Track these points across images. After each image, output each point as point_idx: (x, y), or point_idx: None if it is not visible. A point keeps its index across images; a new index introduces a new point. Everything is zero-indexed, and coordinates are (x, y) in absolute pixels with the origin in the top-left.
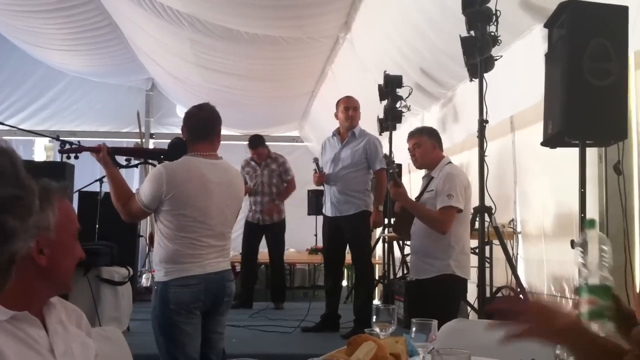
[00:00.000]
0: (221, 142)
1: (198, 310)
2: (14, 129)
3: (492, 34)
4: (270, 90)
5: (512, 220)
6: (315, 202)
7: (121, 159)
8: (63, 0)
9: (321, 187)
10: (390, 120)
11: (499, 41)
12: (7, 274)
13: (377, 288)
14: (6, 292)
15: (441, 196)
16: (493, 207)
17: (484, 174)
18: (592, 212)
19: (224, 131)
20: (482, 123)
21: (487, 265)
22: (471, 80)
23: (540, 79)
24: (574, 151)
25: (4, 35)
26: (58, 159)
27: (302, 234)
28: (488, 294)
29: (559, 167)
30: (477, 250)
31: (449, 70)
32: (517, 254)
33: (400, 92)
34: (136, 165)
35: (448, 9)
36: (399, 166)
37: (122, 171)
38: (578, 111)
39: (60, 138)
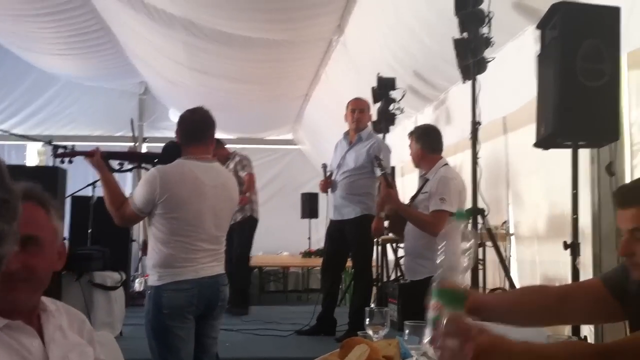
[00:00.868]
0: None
1: (191, 314)
2: (6, 133)
3: (485, 35)
4: (263, 93)
5: (505, 222)
6: (308, 206)
7: (115, 163)
8: (55, 4)
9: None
10: (383, 122)
11: (492, 43)
12: None
13: None
14: None
15: (434, 199)
16: (486, 209)
17: (477, 176)
18: (585, 213)
19: (217, 134)
20: (475, 125)
21: (480, 267)
22: (464, 82)
23: (533, 81)
24: (567, 152)
25: None
26: (50, 164)
27: (296, 238)
28: None
29: (552, 169)
30: None
31: (442, 72)
32: (510, 255)
33: (394, 94)
34: (130, 170)
35: (441, 11)
36: (392, 169)
37: (115, 175)
38: (571, 112)
39: (53, 142)
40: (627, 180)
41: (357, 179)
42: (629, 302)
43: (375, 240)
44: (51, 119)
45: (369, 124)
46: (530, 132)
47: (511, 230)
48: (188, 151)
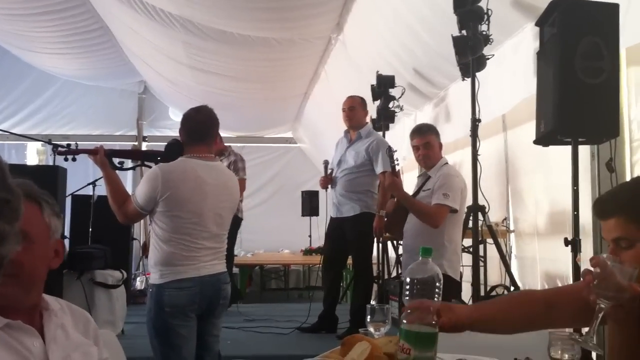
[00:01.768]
0: None
1: (193, 313)
2: (7, 133)
3: (484, 33)
4: (263, 92)
5: (506, 218)
6: (309, 203)
7: (118, 161)
8: (53, 3)
9: (319, 189)
10: (383, 120)
11: (491, 40)
12: None
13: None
14: None
15: (437, 194)
16: (486, 205)
17: (477, 173)
18: (585, 210)
19: None
20: (475, 122)
21: (481, 264)
22: (463, 79)
23: (532, 78)
24: (567, 149)
25: None
26: (50, 163)
27: (296, 236)
28: (482, 293)
29: (552, 165)
30: (471, 250)
31: (441, 69)
32: (511, 252)
33: (393, 92)
34: (133, 168)
35: (440, 8)
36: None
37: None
38: (570, 109)
39: (53, 142)
40: (627, 176)
41: (356, 177)
42: None
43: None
44: (51, 118)
45: (369, 122)
46: (530, 129)
47: (512, 227)
48: (191, 150)
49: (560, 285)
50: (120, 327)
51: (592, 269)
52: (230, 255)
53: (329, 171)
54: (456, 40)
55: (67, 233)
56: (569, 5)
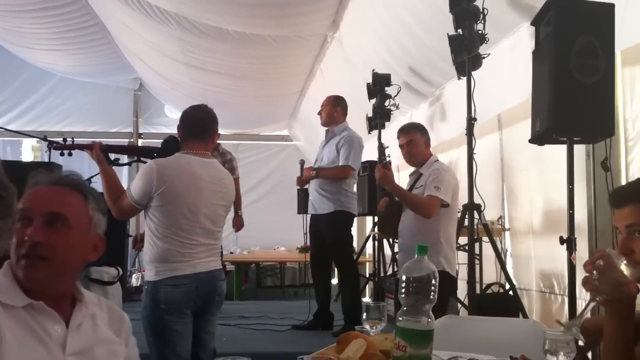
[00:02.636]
0: None
1: (189, 309)
2: (2, 129)
3: (480, 32)
4: (259, 89)
5: (501, 217)
6: (304, 201)
7: (114, 157)
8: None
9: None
10: (379, 118)
11: (487, 39)
12: None
13: (367, 285)
14: None
15: (429, 187)
16: (482, 204)
17: (473, 172)
18: (580, 209)
19: None
20: (471, 121)
21: (476, 262)
22: (459, 78)
23: (527, 77)
24: (562, 148)
25: None
26: (46, 159)
27: (292, 233)
28: (478, 291)
29: (547, 164)
30: (467, 248)
31: (437, 68)
32: (506, 250)
33: (389, 90)
34: (129, 163)
35: (436, 7)
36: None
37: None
38: (565, 108)
39: (48, 138)
40: (623, 175)
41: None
42: None
43: (372, 236)
44: (46, 115)
45: (346, 120)
46: (525, 128)
47: (507, 226)
48: (187, 146)
49: (554, 283)
50: None
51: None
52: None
53: (312, 173)
54: (452, 39)
55: None
56: (564, 5)
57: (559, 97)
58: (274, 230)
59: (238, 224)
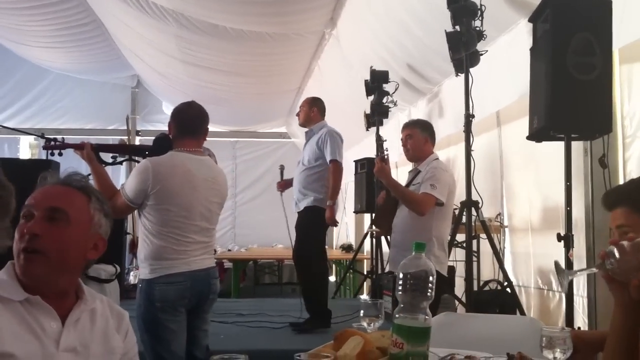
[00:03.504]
0: (208, 139)
1: (183, 307)
2: None
3: (477, 28)
4: (256, 87)
5: (499, 214)
6: None
7: (106, 157)
8: None
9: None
10: (377, 115)
11: (484, 36)
12: None
13: (365, 283)
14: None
15: (425, 184)
16: (480, 201)
17: (471, 169)
18: (578, 206)
19: (210, 127)
20: (469, 118)
21: (474, 259)
22: (457, 75)
23: (525, 74)
24: (560, 145)
25: None
26: (43, 157)
27: (290, 230)
28: (475, 288)
29: (545, 161)
30: (464, 245)
31: (435, 65)
32: (504, 247)
33: (387, 87)
34: (121, 162)
35: (433, 4)
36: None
37: (108, 169)
38: (563, 105)
39: (45, 136)
40: (620, 172)
41: (311, 173)
42: None
43: (370, 233)
44: (43, 112)
45: (324, 119)
46: (523, 125)
47: (505, 222)
48: (181, 144)
49: (552, 280)
50: None
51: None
52: None
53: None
54: (450, 36)
55: None
56: (561, 2)
57: (556, 94)
58: (272, 227)
59: None
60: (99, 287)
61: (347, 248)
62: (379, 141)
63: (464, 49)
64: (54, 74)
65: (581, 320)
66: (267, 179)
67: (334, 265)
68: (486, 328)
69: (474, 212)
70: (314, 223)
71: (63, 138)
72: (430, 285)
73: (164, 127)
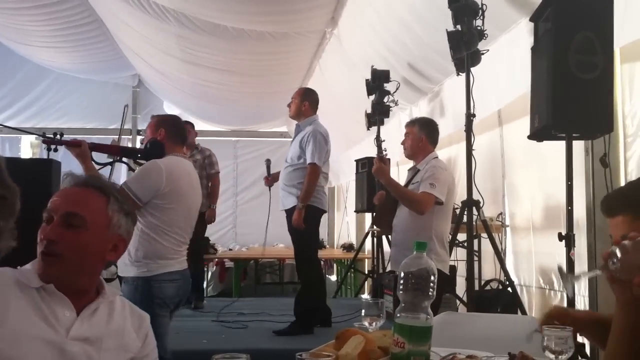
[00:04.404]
0: (209, 138)
1: (173, 305)
2: (0, 126)
3: (479, 28)
4: (257, 86)
5: (501, 213)
6: None
7: (100, 157)
8: None
9: None
10: (378, 114)
11: (486, 35)
12: None
13: (366, 282)
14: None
15: (424, 183)
16: (481, 200)
17: (472, 168)
18: (579, 205)
19: (211, 127)
20: (470, 117)
21: (475, 258)
22: (458, 74)
23: (527, 73)
24: (561, 144)
25: None
26: (45, 156)
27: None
28: (477, 288)
29: (547, 160)
30: (465, 244)
31: (436, 64)
32: (506, 247)
33: (388, 86)
34: (111, 163)
35: (434, 3)
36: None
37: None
38: (564, 104)
39: (47, 135)
40: (622, 171)
41: (293, 170)
42: None
43: (371, 232)
44: (44, 111)
45: (314, 115)
46: (524, 124)
47: (507, 222)
48: (175, 149)
49: (554, 279)
50: None
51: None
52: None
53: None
54: (451, 35)
55: None
56: (563, 1)
57: (557, 93)
58: (273, 226)
59: (210, 217)
60: None
61: (348, 247)
62: (378, 141)
63: (465, 48)
64: (55, 73)
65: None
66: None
67: (335, 265)
68: (488, 327)
69: (475, 212)
70: (308, 222)
71: (62, 133)
72: (431, 284)
73: None
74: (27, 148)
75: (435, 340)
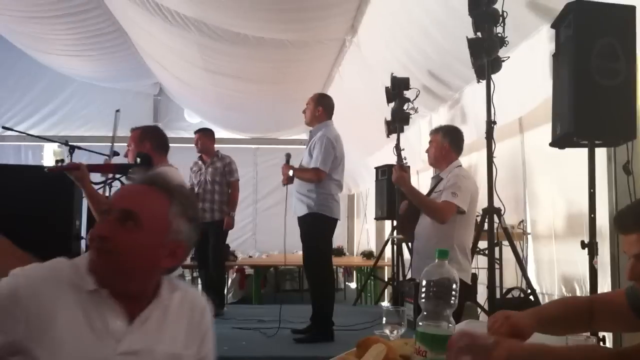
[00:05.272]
0: (229, 146)
1: None
2: (23, 134)
3: (499, 35)
4: (277, 93)
5: (522, 221)
6: None
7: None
8: (70, 6)
9: None
10: (397, 122)
11: (506, 42)
12: None
13: (386, 289)
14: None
15: (446, 192)
16: (502, 208)
17: (493, 175)
18: (602, 213)
19: (231, 134)
20: (490, 124)
21: (497, 266)
22: (478, 81)
23: (548, 80)
24: (583, 151)
25: (11, 42)
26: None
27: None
28: (498, 296)
29: (568, 168)
30: (486, 252)
31: (456, 71)
32: (527, 255)
33: (408, 94)
34: (105, 182)
35: (454, 10)
36: (408, 168)
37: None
38: (586, 111)
39: (69, 143)
40: None
41: None
42: None
43: (391, 240)
44: (67, 119)
45: (328, 120)
46: (546, 132)
47: (528, 230)
48: (161, 160)
49: (576, 287)
50: None
51: None
52: (220, 260)
53: (290, 173)
54: (471, 42)
55: (83, 233)
56: (584, 7)
57: (579, 100)
58: (293, 234)
59: (229, 225)
60: None
61: (368, 255)
62: (398, 149)
63: (486, 55)
64: (77, 82)
65: None
66: (288, 185)
67: (354, 272)
68: None
69: (496, 219)
70: (320, 231)
71: (66, 141)
72: (453, 292)
73: (187, 135)
74: (50, 156)
75: None
